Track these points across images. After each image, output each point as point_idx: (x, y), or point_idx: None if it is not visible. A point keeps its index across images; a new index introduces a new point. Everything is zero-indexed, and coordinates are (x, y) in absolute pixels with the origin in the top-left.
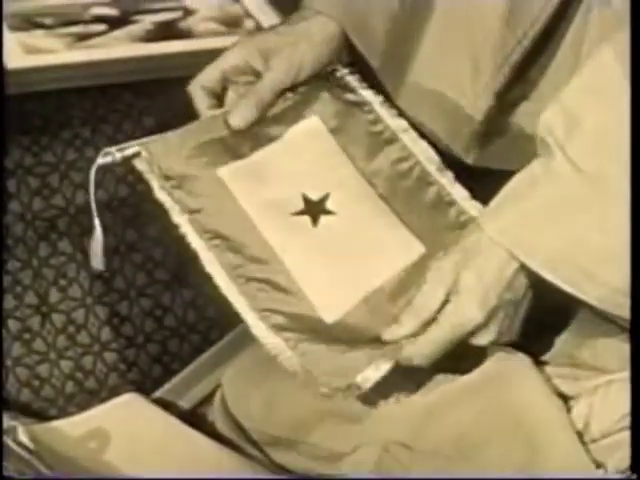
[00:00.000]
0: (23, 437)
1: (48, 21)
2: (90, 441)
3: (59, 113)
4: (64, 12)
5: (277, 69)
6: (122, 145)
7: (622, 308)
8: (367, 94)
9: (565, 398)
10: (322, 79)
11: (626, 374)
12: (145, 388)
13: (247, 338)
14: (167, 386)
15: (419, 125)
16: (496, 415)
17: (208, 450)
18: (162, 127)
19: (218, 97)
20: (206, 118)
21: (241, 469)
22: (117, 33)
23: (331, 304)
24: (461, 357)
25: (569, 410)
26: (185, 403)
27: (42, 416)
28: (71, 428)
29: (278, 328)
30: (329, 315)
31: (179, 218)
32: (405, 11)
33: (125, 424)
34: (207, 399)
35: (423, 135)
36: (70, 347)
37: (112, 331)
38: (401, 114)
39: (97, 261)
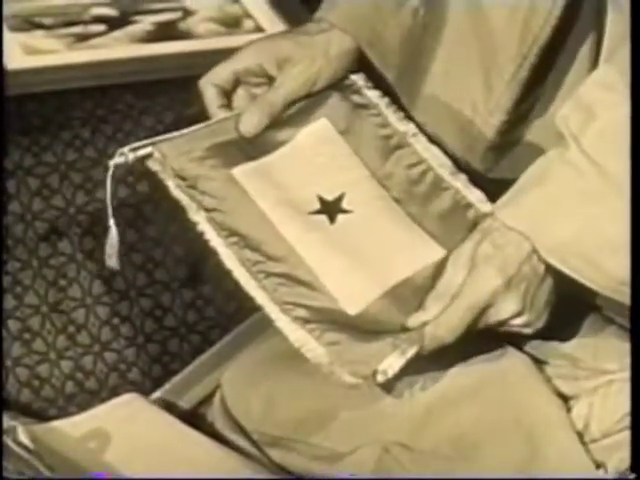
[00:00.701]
0: (23, 437)
1: (48, 22)
2: (90, 441)
3: (59, 114)
4: (64, 12)
5: (293, 81)
6: (135, 145)
7: (627, 297)
8: (373, 95)
9: (565, 398)
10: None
11: (626, 374)
12: (145, 388)
13: (247, 338)
14: (167, 386)
15: (435, 137)
16: (496, 415)
17: (208, 450)
18: (162, 128)
19: (228, 95)
20: (217, 120)
21: (241, 469)
22: (117, 34)
23: (353, 296)
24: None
25: (569, 410)
26: (185, 403)
27: (42, 416)
28: (71, 428)
29: (302, 321)
30: (352, 307)
31: (197, 216)
32: (418, 25)
33: (125, 424)
34: (207, 399)
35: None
36: (70, 347)
37: (112, 331)
38: (417, 126)
39: (112, 261)
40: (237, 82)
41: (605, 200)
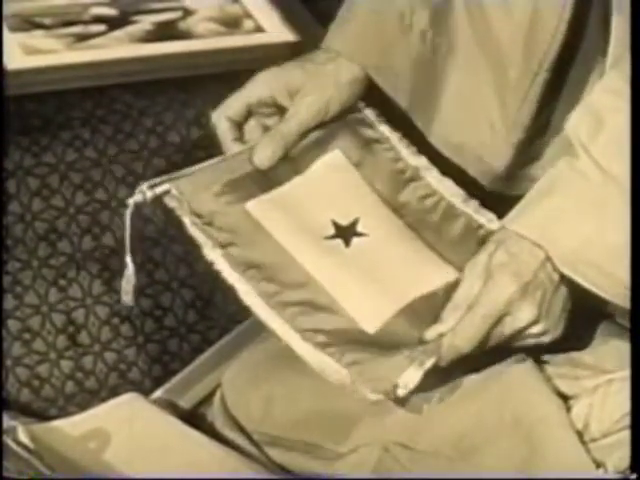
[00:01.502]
0: (23, 437)
1: (48, 21)
2: (90, 441)
3: (59, 114)
4: (64, 12)
5: (305, 111)
6: (152, 181)
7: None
8: (385, 130)
9: (565, 398)
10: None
11: (626, 374)
12: (145, 388)
13: (247, 338)
14: (167, 386)
15: (451, 157)
16: (496, 415)
17: (208, 450)
18: (161, 128)
19: (240, 127)
20: (233, 155)
21: (241, 469)
22: (117, 33)
23: (370, 315)
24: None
25: (569, 410)
26: (185, 403)
27: (42, 416)
28: (71, 428)
29: (322, 346)
30: (370, 325)
31: (213, 253)
32: (427, 48)
33: (125, 424)
34: (207, 399)
35: (448, 169)
36: (70, 347)
37: (112, 331)
38: (430, 150)
39: (128, 298)
40: (249, 113)
41: (615, 207)
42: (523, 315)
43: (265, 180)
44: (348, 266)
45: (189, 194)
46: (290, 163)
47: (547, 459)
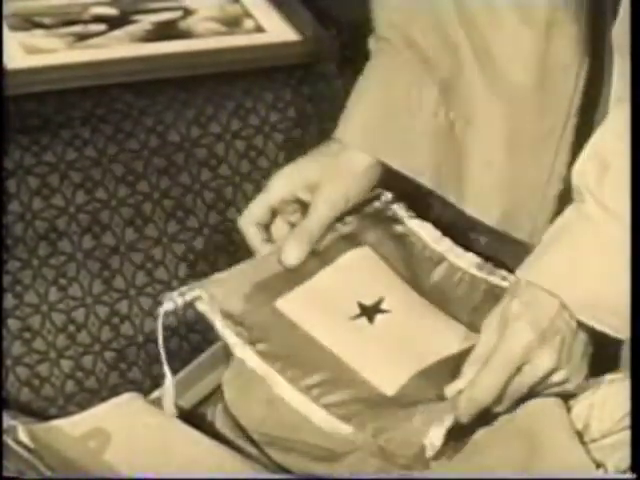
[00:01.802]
0: (23, 436)
1: (48, 21)
2: (90, 440)
3: (59, 113)
4: (64, 12)
5: (325, 205)
6: (182, 289)
7: None
8: (414, 224)
9: (565, 398)
10: (368, 208)
11: (626, 374)
12: (145, 388)
13: None
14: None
15: (494, 227)
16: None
17: (208, 450)
18: (162, 128)
19: (267, 227)
20: (262, 257)
21: (241, 469)
22: (117, 33)
23: (388, 378)
24: None
25: (569, 410)
26: (185, 403)
27: (42, 415)
28: (71, 427)
29: (347, 418)
30: (389, 388)
31: (244, 352)
32: (442, 124)
33: (125, 424)
34: (207, 399)
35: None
36: (70, 346)
37: (112, 330)
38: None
39: (170, 409)
40: (274, 214)
41: (625, 249)
42: (543, 363)
43: (294, 276)
44: (370, 340)
45: (220, 298)
46: (318, 257)
47: (547, 459)
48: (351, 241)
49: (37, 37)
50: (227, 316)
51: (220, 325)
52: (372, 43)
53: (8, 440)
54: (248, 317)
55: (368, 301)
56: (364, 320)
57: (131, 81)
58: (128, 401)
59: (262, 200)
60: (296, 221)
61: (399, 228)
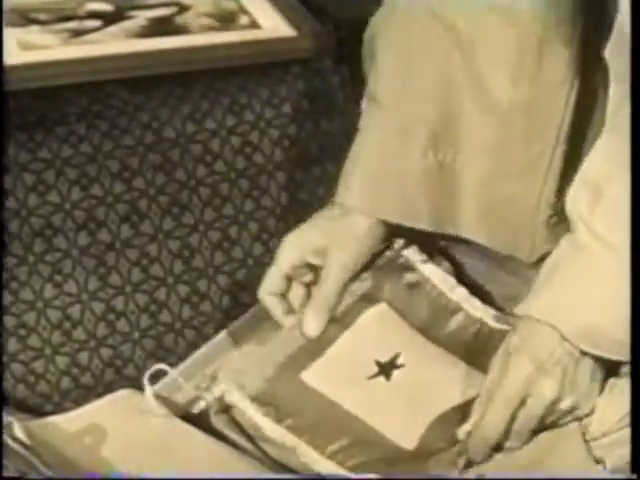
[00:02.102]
0: (19, 433)
1: (43, 17)
2: (86, 437)
3: (54, 109)
4: (59, 8)
5: (336, 271)
6: (204, 384)
7: None
8: (426, 269)
9: None
10: (381, 259)
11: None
12: (141, 384)
13: (242, 334)
14: (162, 381)
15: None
16: None
17: (205, 446)
18: (157, 124)
19: (285, 295)
20: (283, 334)
21: (239, 466)
22: (112, 29)
23: (407, 432)
24: None
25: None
26: (181, 398)
27: (38, 412)
28: (67, 424)
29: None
30: (408, 443)
31: (274, 431)
32: (432, 166)
33: (121, 420)
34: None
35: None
36: (66, 343)
37: (108, 327)
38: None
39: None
40: (289, 280)
41: (621, 277)
42: (544, 392)
43: (316, 346)
44: (387, 397)
45: (246, 382)
46: (338, 322)
47: (549, 456)
48: (368, 300)
49: (32, 33)
50: (255, 400)
51: (251, 412)
52: (364, 102)
53: (5, 437)
54: (275, 395)
55: (385, 358)
56: (382, 378)
57: (126, 77)
58: (124, 397)
59: (274, 272)
60: (310, 280)
61: (413, 277)
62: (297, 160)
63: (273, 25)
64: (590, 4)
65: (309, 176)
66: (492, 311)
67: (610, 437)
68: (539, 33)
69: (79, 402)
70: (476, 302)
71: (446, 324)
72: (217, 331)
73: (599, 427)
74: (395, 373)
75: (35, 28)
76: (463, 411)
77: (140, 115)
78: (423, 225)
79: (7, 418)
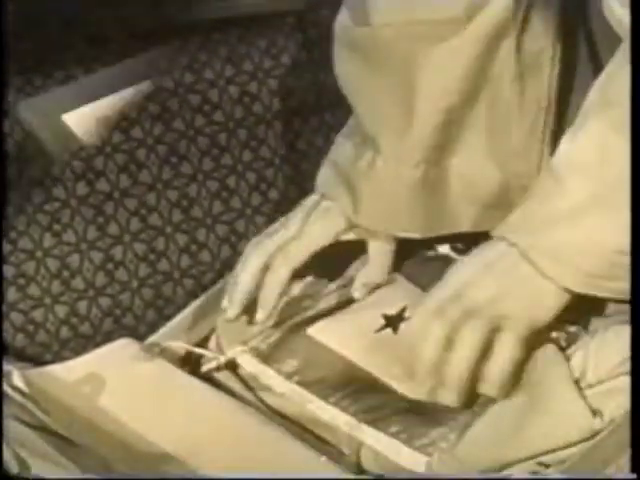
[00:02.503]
0: (18, 381)
1: None
2: (85, 386)
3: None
4: None
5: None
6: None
7: None
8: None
9: (563, 349)
10: None
11: (624, 317)
12: (139, 333)
13: None
14: (161, 331)
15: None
16: None
17: (204, 394)
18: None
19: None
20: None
21: (238, 414)
22: None
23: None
24: None
25: (568, 359)
26: (180, 349)
27: (37, 361)
28: (66, 373)
29: (372, 422)
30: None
31: (283, 387)
32: (418, 178)
33: (120, 369)
34: (202, 343)
35: None
36: (65, 292)
37: (106, 276)
38: None
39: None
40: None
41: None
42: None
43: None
44: (394, 350)
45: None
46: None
47: (546, 409)
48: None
49: None
50: (264, 360)
51: (264, 375)
52: None
53: (4, 385)
54: (281, 346)
55: (392, 311)
56: (389, 331)
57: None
58: (123, 347)
59: (246, 274)
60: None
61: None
62: (295, 110)
63: None
64: None
65: (307, 126)
66: None
67: (607, 384)
68: None
69: (78, 351)
70: None
71: None
72: (216, 280)
73: (594, 372)
74: (402, 326)
75: None
76: None
77: None
78: (415, 232)
79: (6, 367)
